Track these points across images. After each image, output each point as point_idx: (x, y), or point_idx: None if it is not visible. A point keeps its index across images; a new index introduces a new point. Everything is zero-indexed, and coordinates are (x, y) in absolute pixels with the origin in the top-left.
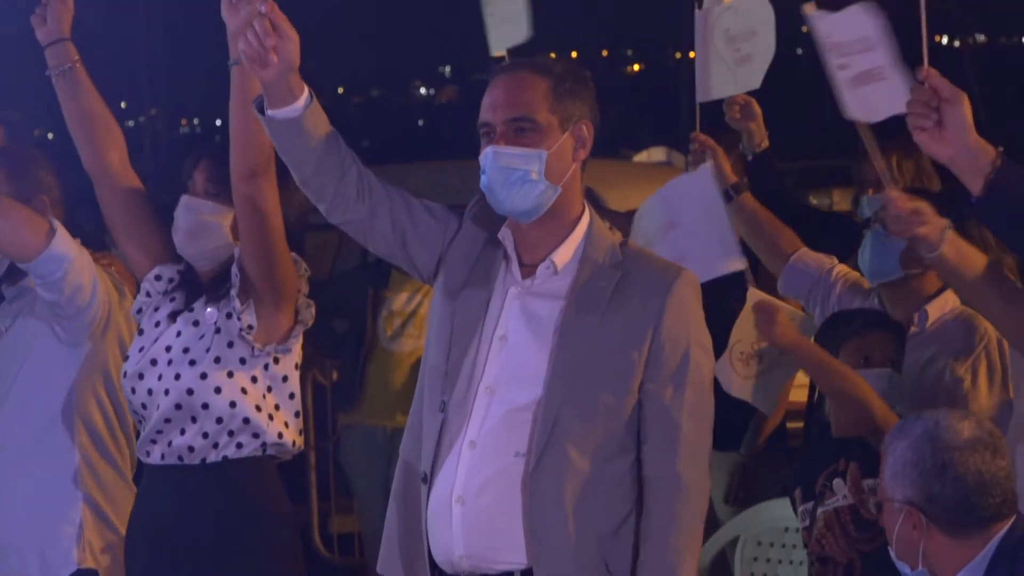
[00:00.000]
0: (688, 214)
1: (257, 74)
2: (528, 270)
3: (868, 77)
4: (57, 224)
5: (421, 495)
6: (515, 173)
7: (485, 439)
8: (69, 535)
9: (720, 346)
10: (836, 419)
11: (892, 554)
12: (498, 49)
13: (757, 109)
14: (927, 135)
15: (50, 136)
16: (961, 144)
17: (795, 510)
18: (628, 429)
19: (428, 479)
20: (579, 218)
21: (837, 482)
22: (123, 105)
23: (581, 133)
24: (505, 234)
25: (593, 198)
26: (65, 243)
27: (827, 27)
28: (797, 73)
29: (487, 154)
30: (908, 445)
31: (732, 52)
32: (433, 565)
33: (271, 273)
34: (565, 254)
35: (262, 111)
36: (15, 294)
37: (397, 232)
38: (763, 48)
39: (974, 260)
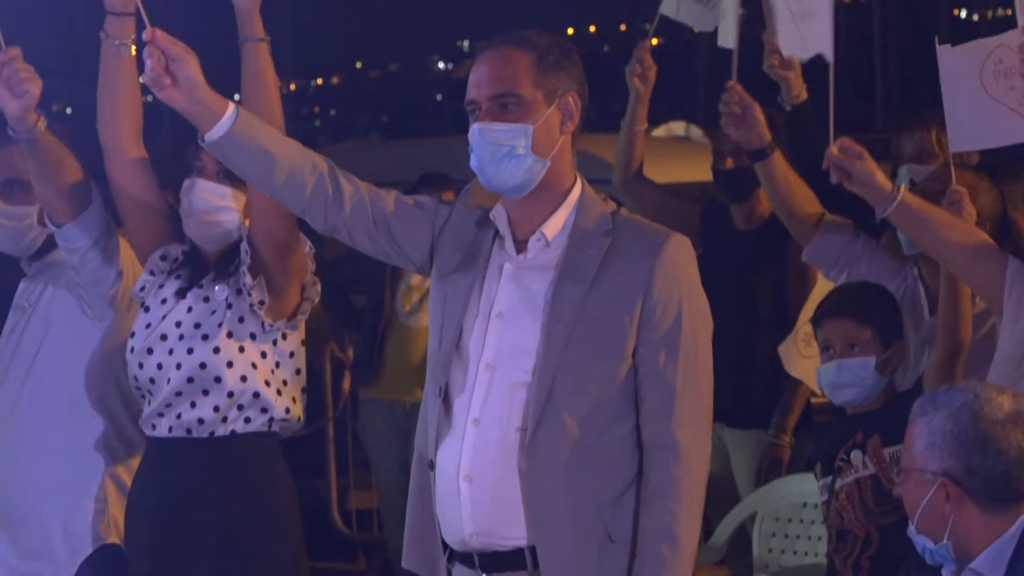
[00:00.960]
0: None
1: (166, 100)
2: (521, 245)
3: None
4: (96, 196)
5: (431, 482)
6: (502, 149)
7: (488, 416)
8: (93, 510)
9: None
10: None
11: (912, 528)
12: (667, 10)
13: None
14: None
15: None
16: None
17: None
18: (625, 396)
19: (434, 465)
20: (570, 189)
21: (855, 454)
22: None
23: (568, 106)
24: (498, 212)
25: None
26: (96, 217)
27: None
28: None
29: (473, 131)
30: (947, 416)
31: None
32: (445, 546)
33: (282, 251)
34: (555, 225)
35: (203, 139)
36: (39, 269)
37: (382, 230)
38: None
39: (930, 210)
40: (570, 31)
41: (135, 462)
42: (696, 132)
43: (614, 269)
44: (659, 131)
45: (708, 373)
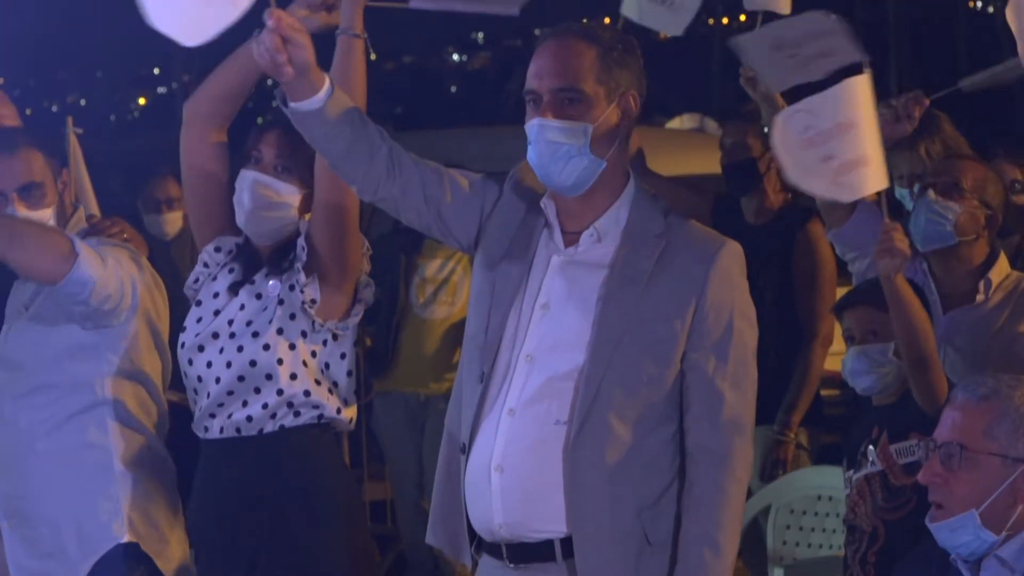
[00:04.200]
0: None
1: (275, 77)
2: (571, 238)
3: (853, 164)
4: (80, 245)
5: (460, 465)
6: (561, 148)
7: (524, 407)
8: (108, 510)
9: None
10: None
11: (976, 519)
12: (629, 12)
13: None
14: None
15: (83, 102)
16: None
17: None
18: (670, 399)
19: (466, 449)
20: (624, 186)
21: (870, 449)
22: (156, 71)
23: (628, 104)
24: (547, 203)
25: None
26: (89, 264)
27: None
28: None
29: (533, 126)
30: None
31: None
32: (473, 534)
33: (341, 250)
34: (609, 222)
35: (285, 103)
36: None
37: (431, 206)
38: None
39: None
40: (584, 22)
41: (149, 460)
42: (710, 124)
43: (668, 272)
44: (673, 123)
45: (753, 381)
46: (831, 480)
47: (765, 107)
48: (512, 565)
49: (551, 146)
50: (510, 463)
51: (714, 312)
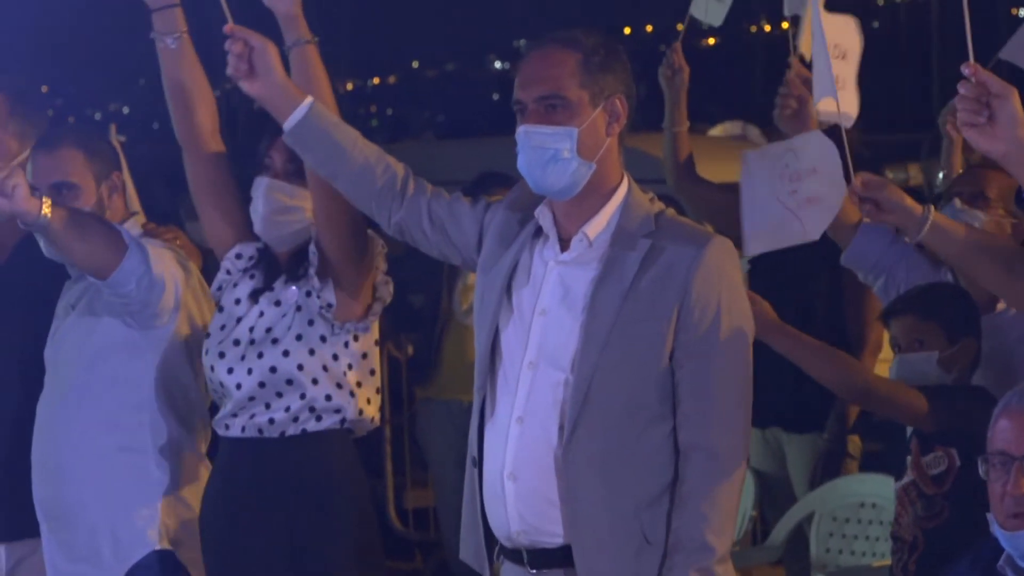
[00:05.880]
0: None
1: (249, 91)
2: (566, 244)
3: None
4: (129, 238)
5: (475, 478)
6: (547, 152)
7: (531, 414)
8: (145, 517)
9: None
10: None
11: None
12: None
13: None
14: (977, 131)
15: (125, 110)
16: (1012, 140)
17: None
18: (662, 398)
19: (477, 461)
20: (616, 189)
21: (909, 460)
22: None
23: (615, 108)
24: (542, 211)
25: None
26: (136, 258)
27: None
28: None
29: (519, 133)
30: None
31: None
32: (495, 541)
33: (349, 252)
34: (599, 225)
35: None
36: (82, 273)
37: (437, 227)
38: None
39: (959, 227)
40: (627, 30)
41: (187, 465)
42: (753, 131)
43: (654, 271)
44: (716, 130)
45: (747, 376)
46: (875, 488)
47: (671, 108)
48: (533, 571)
49: (537, 151)
50: (521, 471)
51: (700, 308)
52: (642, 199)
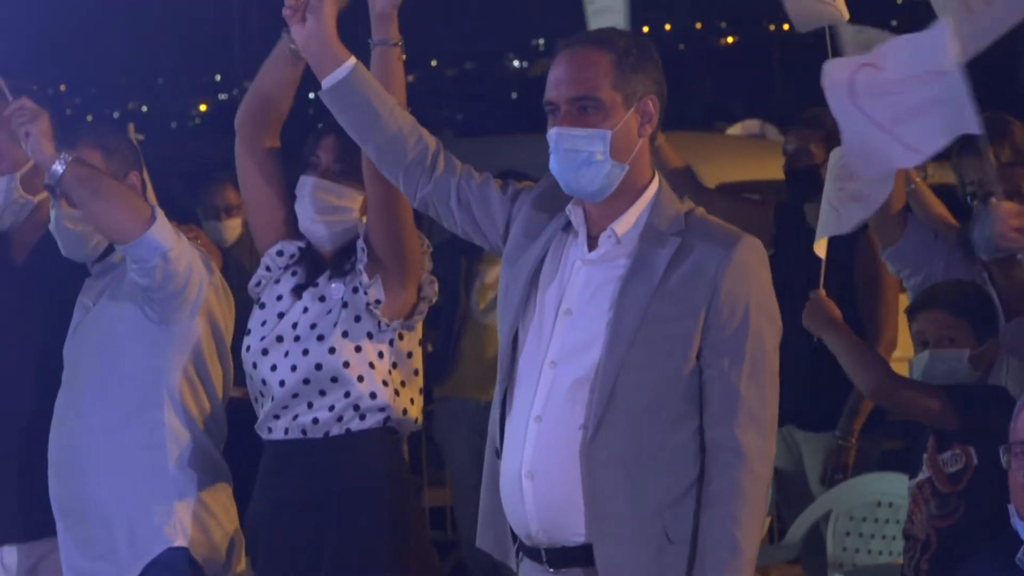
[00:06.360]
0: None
1: (299, 39)
2: (594, 242)
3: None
4: (159, 212)
5: (498, 468)
6: (580, 155)
7: (550, 413)
8: (160, 513)
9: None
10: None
11: None
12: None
13: None
14: None
15: (144, 109)
16: None
17: None
18: (689, 397)
19: (499, 454)
20: (646, 187)
21: (925, 457)
22: (217, 78)
23: (647, 109)
24: (574, 209)
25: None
26: (164, 231)
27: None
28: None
29: (552, 135)
30: None
31: None
32: (515, 537)
33: (399, 249)
34: (627, 223)
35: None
36: (101, 270)
37: (463, 206)
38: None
39: None
40: (645, 29)
41: (203, 464)
42: (771, 130)
43: (683, 269)
44: (734, 129)
45: (774, 377)
46: (892, 487)
47: None
48: (552, 570)
49: (570, 154)
50: (540, 470)
51: (728, 308)
52: (672, 198)
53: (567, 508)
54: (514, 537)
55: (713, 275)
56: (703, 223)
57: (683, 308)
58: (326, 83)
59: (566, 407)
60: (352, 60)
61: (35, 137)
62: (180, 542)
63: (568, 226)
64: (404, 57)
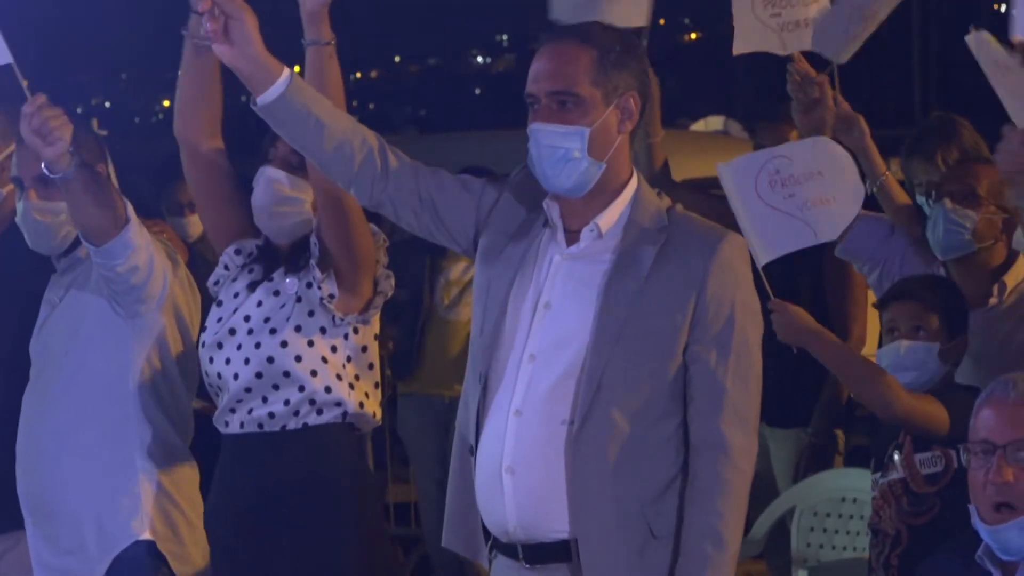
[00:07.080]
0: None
1: (225, 59)
2: (573, 236)
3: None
4: (131, 212)
5: (472, 466)
6: (557, 151)
7: (530, 408)
8: (127, 507)
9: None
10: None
11: None
12: (559, 15)
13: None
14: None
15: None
16: None
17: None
18: (673, 393)
19: (474, 451)
20: (626, 183)
21: (896, 457)
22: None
23: (627, 106)
24: (550, 203)
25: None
26: (135, 233)
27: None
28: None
29: (531, 130)
30: None
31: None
32: (488, 535)
33: (350, 245)
34: (610, 218)
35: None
36: (67, 265)
37: (427, 208)
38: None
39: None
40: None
41: (171, 458)
42: (735, 126)
43: (669, 265)
44: (698, 125)
45: (757, 373)
46: (855, 482)
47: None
48: (528, 565)
49: (548, 150)
50: (520, 465)
51: (715, 304)
52: (651, 194)
53: (548, 503)
54: (486, 534)
55: (700, 272)
56: (686, 220)
57: (670, 304)
58: (261, 100)
59: (548, 401)
60: (286, 73)
61: (62, 145)
62: (146, 535)
63: (546, 222)
64: (336, 57)
